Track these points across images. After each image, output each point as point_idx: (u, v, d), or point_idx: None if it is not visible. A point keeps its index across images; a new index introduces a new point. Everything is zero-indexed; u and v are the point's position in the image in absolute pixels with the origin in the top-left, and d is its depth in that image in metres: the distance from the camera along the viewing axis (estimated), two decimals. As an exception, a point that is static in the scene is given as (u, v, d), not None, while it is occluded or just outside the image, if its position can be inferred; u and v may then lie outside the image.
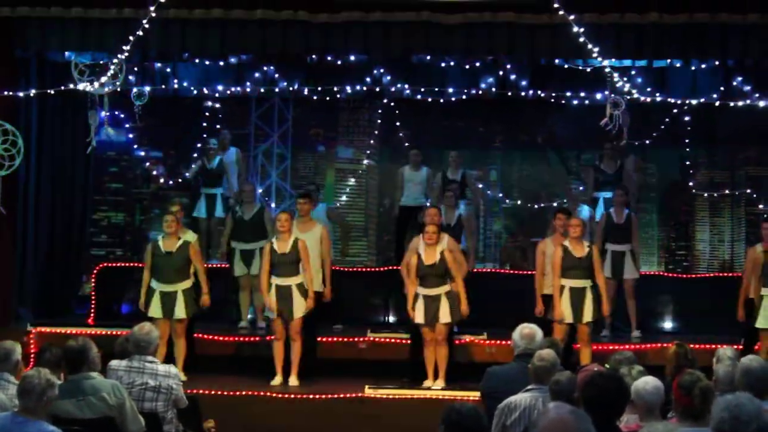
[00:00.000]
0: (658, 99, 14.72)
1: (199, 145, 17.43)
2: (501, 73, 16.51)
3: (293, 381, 12.49)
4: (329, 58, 15.69)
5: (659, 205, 19.70)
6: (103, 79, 14.10)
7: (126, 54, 13.80)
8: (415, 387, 12.28)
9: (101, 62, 14.68)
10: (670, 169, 19.39)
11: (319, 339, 13.26)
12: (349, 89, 16.74)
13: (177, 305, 12.61)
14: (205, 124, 18.66)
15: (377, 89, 16.88)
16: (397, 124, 19.08)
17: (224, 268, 15.33)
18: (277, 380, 12.56)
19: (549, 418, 4.20)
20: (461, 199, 15.98)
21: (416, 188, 16.45)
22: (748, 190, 18.93)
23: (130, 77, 15.66)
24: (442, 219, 14.03)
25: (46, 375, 6.91)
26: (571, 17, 13.20)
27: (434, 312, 12.31)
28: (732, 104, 14.91)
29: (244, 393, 12.01)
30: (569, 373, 7.28)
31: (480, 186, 18.54)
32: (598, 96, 15.27)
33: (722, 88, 15.68)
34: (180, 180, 17.64)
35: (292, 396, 12.00)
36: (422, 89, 16.70)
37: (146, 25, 13.58)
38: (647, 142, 17.91)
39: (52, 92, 14.63)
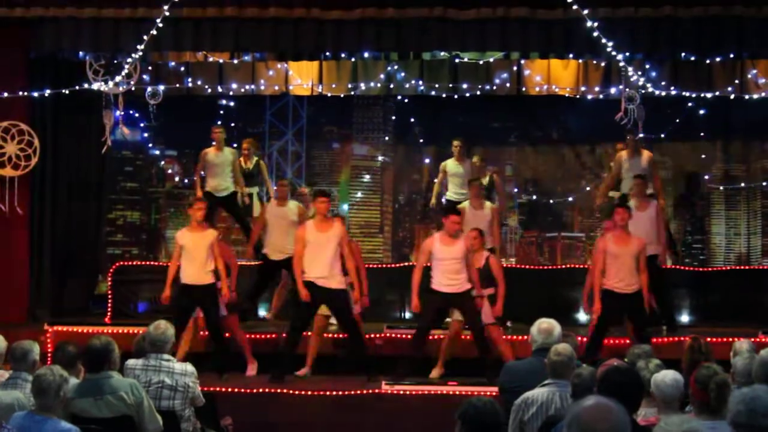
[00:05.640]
0: (673, 93, 14.69)
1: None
2: (515, 68, 16.45)
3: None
4: (343, 55, 15.69)
5: (674, 198, 19.67)
6: (118, 78, 14.15)
7: (140, 53, 13.83)
8: (429, 381, 12.31)
9: (115, 62, 14.73)
10: (686, 162, 19.37)
11: (338, 336, 13.27)
12: (363, 86, 16.69)
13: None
14: (219, 123, 18.69)
15: (391, 86, 16.81)
16: (412, 120, 19.09)
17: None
18: (303, 371, 12.64)
19: (590, 403, 4.19)
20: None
21: (461, 181, 15.79)
22: (764, 183, 18.88)
23: (145, 76, 15.68)
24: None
25: (59, 371, 6.93)
26: (585, 12, 13.19)
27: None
28: (747, 97, 14.87)
29: (260, 390, 12.01)
30: (590, 368, 7.26)
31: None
32: (613, 90, 15.25)
33: (737, 81, 15.59)
34: (195, 178, 17.63)
35: (309, 392, 11.99)
36: (436, 85, 16.63)
37: (160, 24, 13.62)
38: (662, 135, 17.87)
39: (67, 92, 14.67)
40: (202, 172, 15.55)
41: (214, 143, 15.46)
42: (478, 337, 12.35)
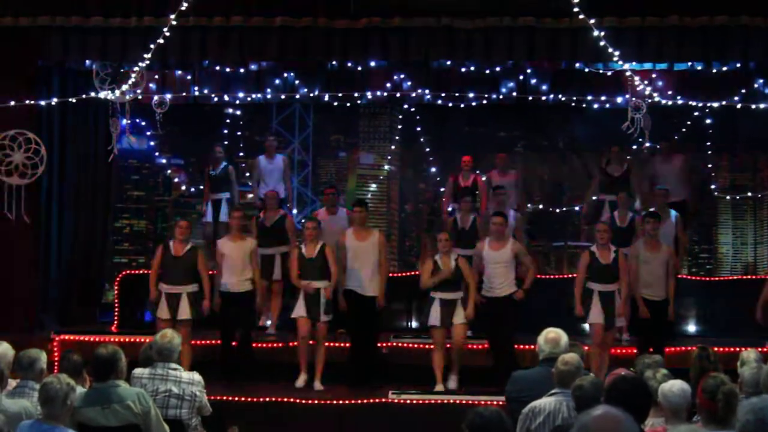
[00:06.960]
0: (680, 102, 14.67)
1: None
2: (521, 77, 16.43)
3: (317, 386, 12.55)
4: (349, 64, 15.70)
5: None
6: (124, 87, 14.15)
7: (147, 62, 13.83)
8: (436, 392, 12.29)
9: (122, 70, 14.74)
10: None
11: (340, 345, 13.27)
12: (369, 95, 16.68)
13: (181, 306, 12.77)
14: (226, 131, 18.70)
15: (397, 95, 16.80)
16: (418, 129, 19.09)
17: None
18: (301, 380, 12.65)
19: (599, 413, 4.19)
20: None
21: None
22: (770, 192, 18.87)
23: (151, 85, 15.69)
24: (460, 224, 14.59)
25: (66, 380, 6.93)
26: (592, 21, 13.18)
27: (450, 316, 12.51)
28: (753, 107, 14.85)
29: (266, 399, 12.00)
30: (592, 378, 7.25)
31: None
32: (619, 99, 15.23)
33: (743, 91, 15.57)
34: (201, 187, 17.65)
35: (316, 401, 11.98)
36: (443, 94, 16.62)
37: (167, 33, 13.62)
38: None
39: (74, 101, 14.69)
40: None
41: (266, 151, 16.10)
42: (504, 344, 12.57)
